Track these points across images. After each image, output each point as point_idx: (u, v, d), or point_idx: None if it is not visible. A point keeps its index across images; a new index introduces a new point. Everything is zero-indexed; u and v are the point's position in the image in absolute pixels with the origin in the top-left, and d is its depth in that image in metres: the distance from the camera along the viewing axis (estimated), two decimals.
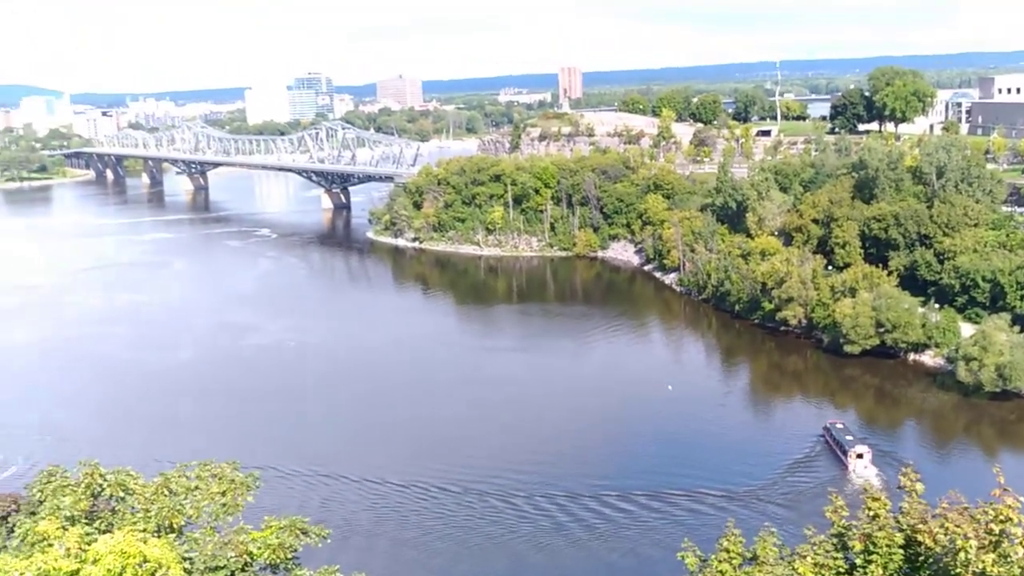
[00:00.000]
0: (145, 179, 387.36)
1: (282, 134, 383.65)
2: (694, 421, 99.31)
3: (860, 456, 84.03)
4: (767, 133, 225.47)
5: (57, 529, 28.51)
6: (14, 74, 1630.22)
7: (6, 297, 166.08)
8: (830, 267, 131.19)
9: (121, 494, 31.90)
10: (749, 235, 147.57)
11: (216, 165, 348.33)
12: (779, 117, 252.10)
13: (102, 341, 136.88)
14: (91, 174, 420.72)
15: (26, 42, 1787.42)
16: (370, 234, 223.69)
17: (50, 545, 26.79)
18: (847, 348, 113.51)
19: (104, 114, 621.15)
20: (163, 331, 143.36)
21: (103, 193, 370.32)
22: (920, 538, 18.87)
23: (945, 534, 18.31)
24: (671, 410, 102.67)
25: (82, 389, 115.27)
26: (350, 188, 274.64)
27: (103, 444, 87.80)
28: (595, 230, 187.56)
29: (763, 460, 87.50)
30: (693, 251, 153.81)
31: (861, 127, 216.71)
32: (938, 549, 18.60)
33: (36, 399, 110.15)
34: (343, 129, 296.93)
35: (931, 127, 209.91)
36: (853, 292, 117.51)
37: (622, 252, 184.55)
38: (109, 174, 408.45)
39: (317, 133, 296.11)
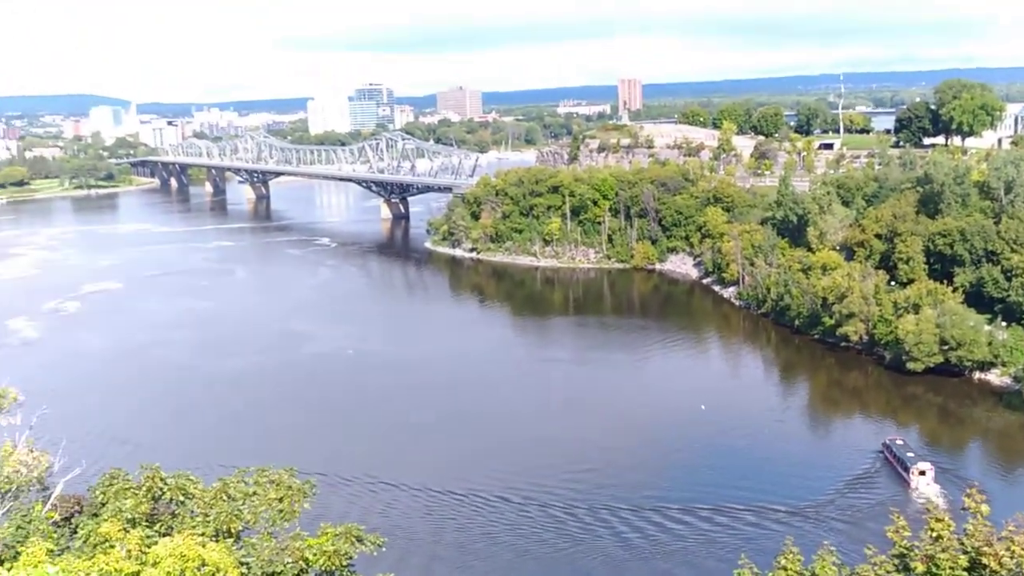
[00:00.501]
0: (208, 188, 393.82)
1: (343, 144, 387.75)
2: (752, 436, 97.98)
3: (923, 473, 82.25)
4: (829, 146, 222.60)
5: (119, 531, 28.95)
6: (83, 84, 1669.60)
7: (75, 302, 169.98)
8: (893, 283, 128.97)
9: (181, 498, 32.37)
10: (810, 249, 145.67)
11: (277, 174, 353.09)
12: (842, 130, 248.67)
13: (165, 346, 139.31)
14: (156, 182, 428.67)
15: (95, 53, 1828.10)
16: (428, 244, 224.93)
17: (112, 547, 27.20)
18: (910, 365, 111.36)
19: (169, 123, 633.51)
20: (224, 337, 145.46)
21: (167, 201, 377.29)
22: (985, 561, 18.40)
23: (1012, 558, 17.85)
24: (729, 424, 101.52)
25: (145, 393, 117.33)
26: (409, 198, 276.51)
27: (163, 448, 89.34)
28: (653, 242, 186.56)
29: (822, 476, 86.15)
30: (753, 265, 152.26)
31: (927, 141, 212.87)
32: (1004, 573, 18.12)
33: (101, 402, 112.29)
34: (403, 140, 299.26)
35: (999, 141, 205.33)
36: (917, 308, 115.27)
37: (680, 265, 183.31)
38: (173, 182, 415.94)
39: (377, 144, 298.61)
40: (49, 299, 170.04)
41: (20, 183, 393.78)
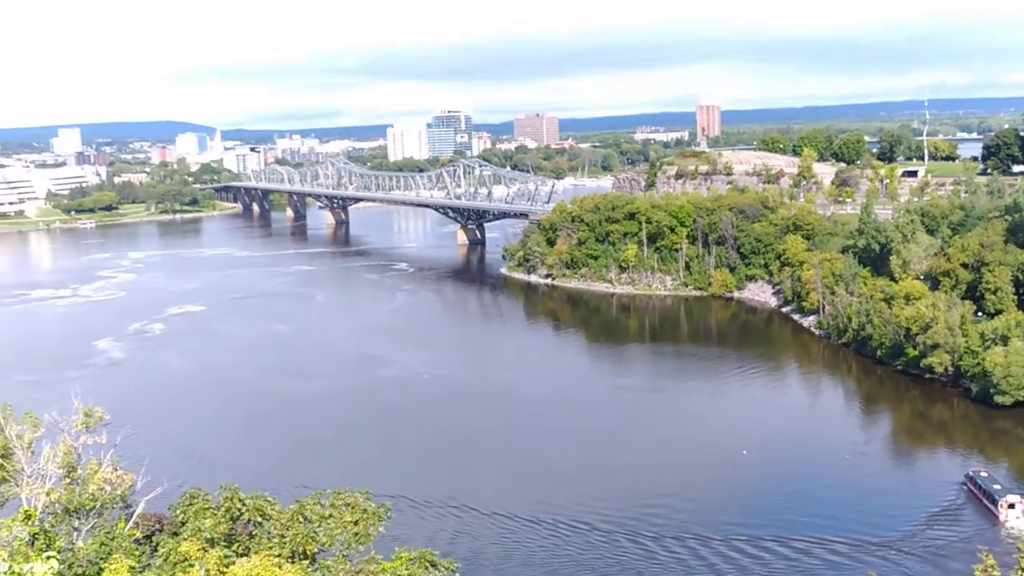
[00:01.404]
0: (289, 213, 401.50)
1: (421, 171, 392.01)
2: (831, 467, 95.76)
3: (1012, 506, 79.34)
4: (913, 174, 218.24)
5: (198, 550, 29.37)
6: (171, 111, 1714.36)
7: (160, 324, 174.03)
8: (980, 313, 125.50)
9: (258, 519, 32.73)
10: (893, 278, 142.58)
11: (357, 200, 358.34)
12: (926, 157, 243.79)
13: (246, 368, 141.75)
14: (238, 207, 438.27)
15: (181, 81, 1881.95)
16: (503, 270, 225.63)
17: (191, 566, 27.60)
18: (998, 398, 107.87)
19: (252, 150, 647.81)
20: (303, 360, 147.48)
21: (249, 226, 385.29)
22: None
23: None
24: (809, 455, 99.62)
25: (225, 414, 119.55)
26: (485, 224, 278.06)
27: (242, 468, 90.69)
28: (731, 270, 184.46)
29: (902, 510, 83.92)
30: (833, 293, 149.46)
31: (1016, 168, 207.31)
32: None
33: (182, 422, 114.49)
34: (480, 166, 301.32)
35: None
36: (1005, 340, 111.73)
37: (759, 293, 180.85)
38: (255, 208, 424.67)
39: (454, 170, 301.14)
40: (135, 321, 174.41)
41: (109, 207, 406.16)
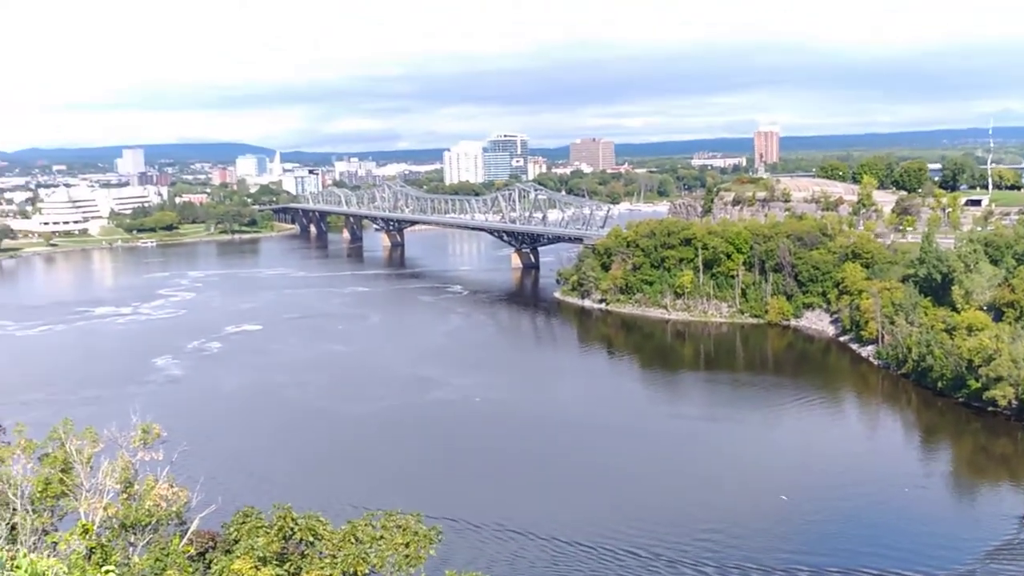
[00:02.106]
0: (346, 234, 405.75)
1: (476, 194, 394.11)
2: (889, 501, 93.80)
3: None
4: (977, 203, 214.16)
5: (250, 568, 29.47)
6: (232, 133, 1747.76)
7: (217, 342, 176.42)
8: None
9: (311, 538, 32.85)
10: (955, 309, 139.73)
11: (412, 223, 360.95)
12: (990, 186, 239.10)
13: (301, 388, 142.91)
14: (296, 228, 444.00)
15: (242, 103, 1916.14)
16: (557, 294, 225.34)
17: None
18: None
19: (311, 172, 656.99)
20: (358, 381, 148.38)
21: (306, 247, 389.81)
22: None
23: None
24: (865, 487, 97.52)
25: (280, 433, 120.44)
26: (539, 248, 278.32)
27: (295, 487, 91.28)
28: (788, 298, 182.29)
29: (962, 543, 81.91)
30: (893, 323, 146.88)
31: None
32: None
33: (238, 440, 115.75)
34: (535, 190, 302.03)
35: None
36: None
37: (816, 321, 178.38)
38: (313, 229, 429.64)
39: (510, 194, 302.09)
40: (193, 339, 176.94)
41: (169, 227, 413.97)
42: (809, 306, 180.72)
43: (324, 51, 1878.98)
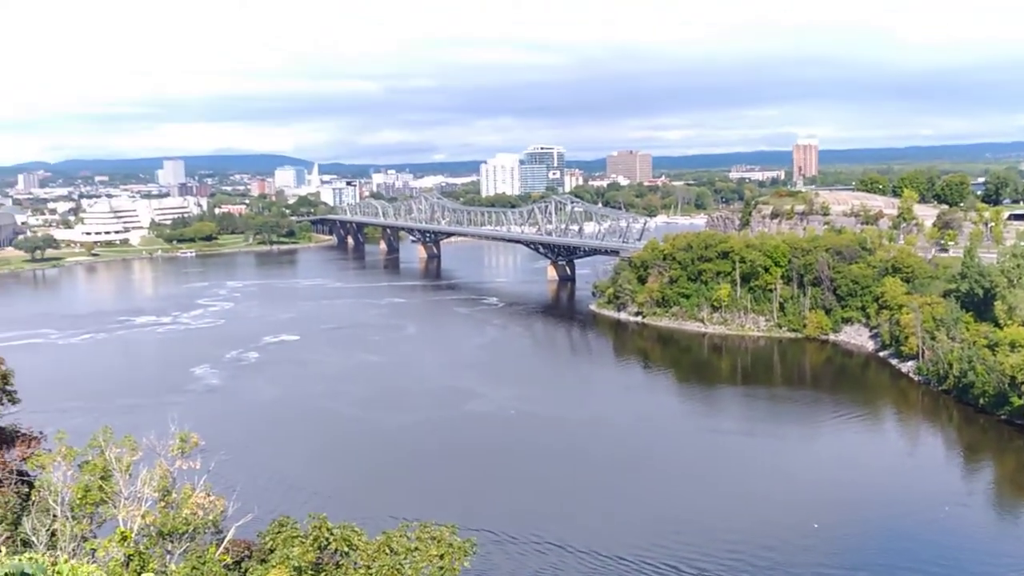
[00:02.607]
0: (382, 246, 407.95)
1: (512, 206, 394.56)
2: (929, 518, 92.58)
3: None
4: (1020, 217, 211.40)
5: None
6: (271, 145, 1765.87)
7: (255, 352, 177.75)
8: None
9: (345, 549, 32.85)
10: (997, 324, 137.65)
11: (449, 235, 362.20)
12: None
13: (337, 398, 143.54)
14: (334, 240, 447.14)
15: (281, 115, 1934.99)
16: (593, 307, 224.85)
17: None
18: None
19: (348, 184, 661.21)
20: (393, 392, 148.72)
21: (343, 258, 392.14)
22: None
23: None
24: (904, 507, 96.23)
25: (316, 443, 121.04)
26: (575, 260, 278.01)
27: (331, 496, 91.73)
28: (827, 312, 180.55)
29: (1004, 562, 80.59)
30: (933, 339, 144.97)
31: None
32: None
33: (274, 450, 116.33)
34: (571, 203, 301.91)
35: None
36: None
37: (855, 336, 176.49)
38: (350, 240, 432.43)
39: (546, 206, 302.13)
40: (231, 348, 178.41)
41: (208, 237, 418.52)
42: (848, 320, 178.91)
43: (360, 65, 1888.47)
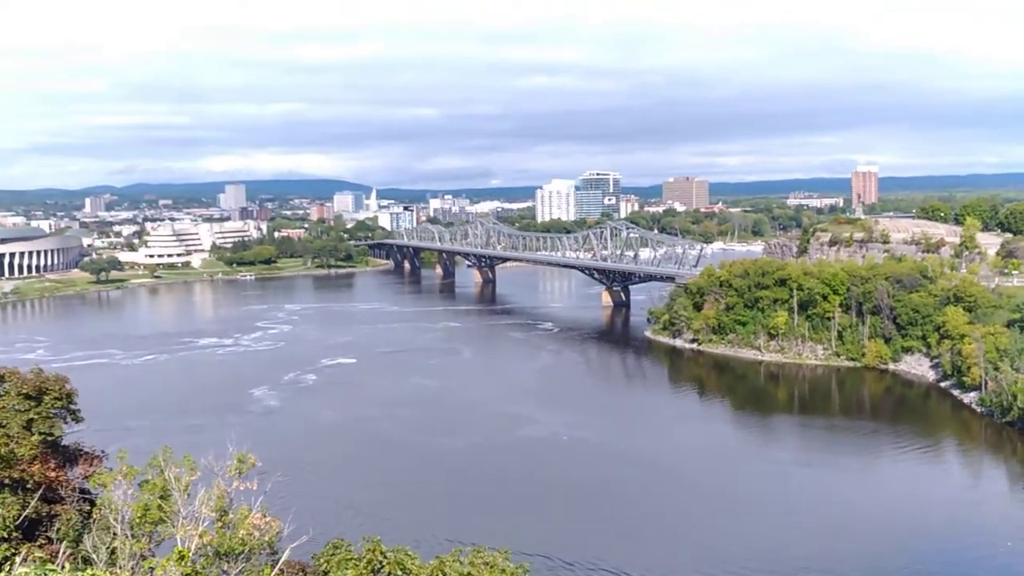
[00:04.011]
0: (438, 270, 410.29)
1: (568, 232, 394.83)
2: (990, 554, 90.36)
3: None
4: None
5: None
6: (330, 170, 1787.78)
7: (313, 375, 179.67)
8: None
9: (399, 572, 33.08)
10: None
11: (504, 260, 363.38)
12: None
13: (393, 421, 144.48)
14: (390, 264, 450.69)
15: (341, 140, 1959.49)
16: (648, 333, 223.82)
17: None
18: None
19: (406, 208, 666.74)
20: (448, 416, 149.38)
21: (400, 282, 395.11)
22: None
23: None
24: (965, 541, 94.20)
25: (371, 466, 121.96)
26: (630, 287, 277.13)
27: (385, 519, 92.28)
28: (886, 341, 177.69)
29: None
30: (997, 369, 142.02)
31: None
32: None
33: (330, 472, 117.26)
34: (627, 229, 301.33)
35: None
36: None
37: (915, 366, 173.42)
38: (406, 264, 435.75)
39: (601, 232, 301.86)
40: (290, 371, 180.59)
41: (268, 261, 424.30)
42: (908, 350, 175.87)
43: (422, 91, 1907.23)
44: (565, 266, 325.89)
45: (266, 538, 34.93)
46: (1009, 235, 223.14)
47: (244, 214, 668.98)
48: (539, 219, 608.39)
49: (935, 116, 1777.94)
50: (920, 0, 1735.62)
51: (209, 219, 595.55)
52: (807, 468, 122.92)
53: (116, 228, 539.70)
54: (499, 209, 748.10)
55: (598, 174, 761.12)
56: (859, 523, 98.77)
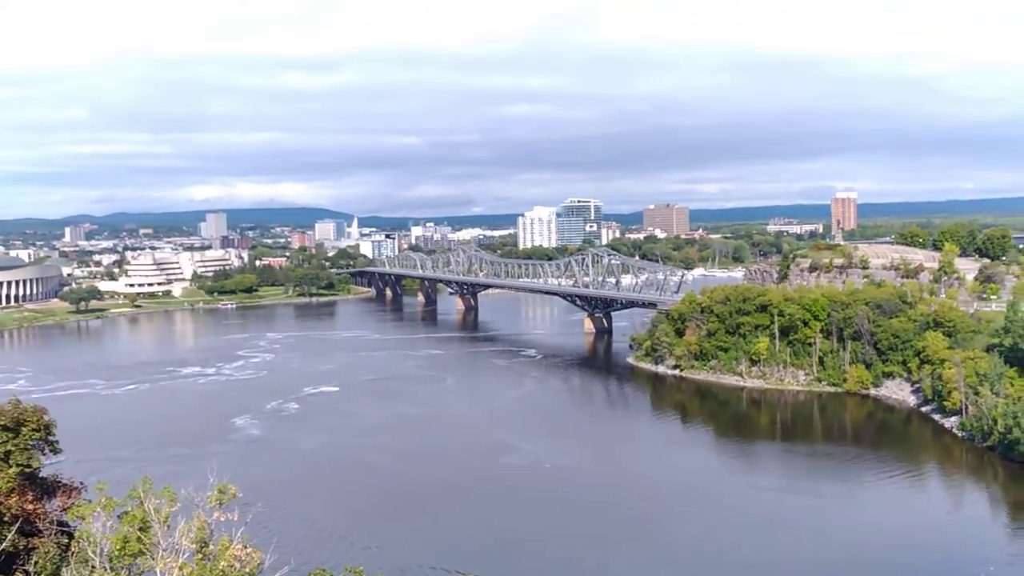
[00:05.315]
0: (420, 298, 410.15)
1: (549, 259, 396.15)
2: None
3: None
4: None
5: None
6: (312, 198, 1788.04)
7: (295, 403, 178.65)
8: None
9: None
10: None
11: (486, 287, 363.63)
12: None
13: (376, 450, 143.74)
14: (372, 292, 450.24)
15: (323, 174, 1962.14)
16: (630, 359, 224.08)
17: None
18: None
19: (387, 236, 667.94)
20: (432, 443, 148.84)
21: (382, 310, 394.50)
22: None
23: None
24: (948, 566, 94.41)
25: (354, 496, 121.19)
26: (612, 313, 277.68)
27: (368, 549, 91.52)
28: (867, 366, 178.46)
29: None
30: (977, 394, 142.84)
31: None
32: None
33: (312, 502, 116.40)
34: (608, 255, 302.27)
35: None
36: None
37: (896, 391, 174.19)
38: (388, 292, 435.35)
39: (583, 259, 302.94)
40: (272, 399, 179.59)
41: (249, 289, 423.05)
42: (889, 375, 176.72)
43: (405, 120, 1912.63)
44: (547, 293, 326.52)
45: (247, 569, 34.69)
46: (987, 260, 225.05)
47: (225, 243, 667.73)
48: (521, 246, 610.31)
49: (913, 142, 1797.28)
50: (897, 27, 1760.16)
51: (190, 248, 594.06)
52: (790, 494, 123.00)
53: (96, 257, 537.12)
54: (481, 236, 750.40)
55: (579, 201, 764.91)
56: (841, 549, 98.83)
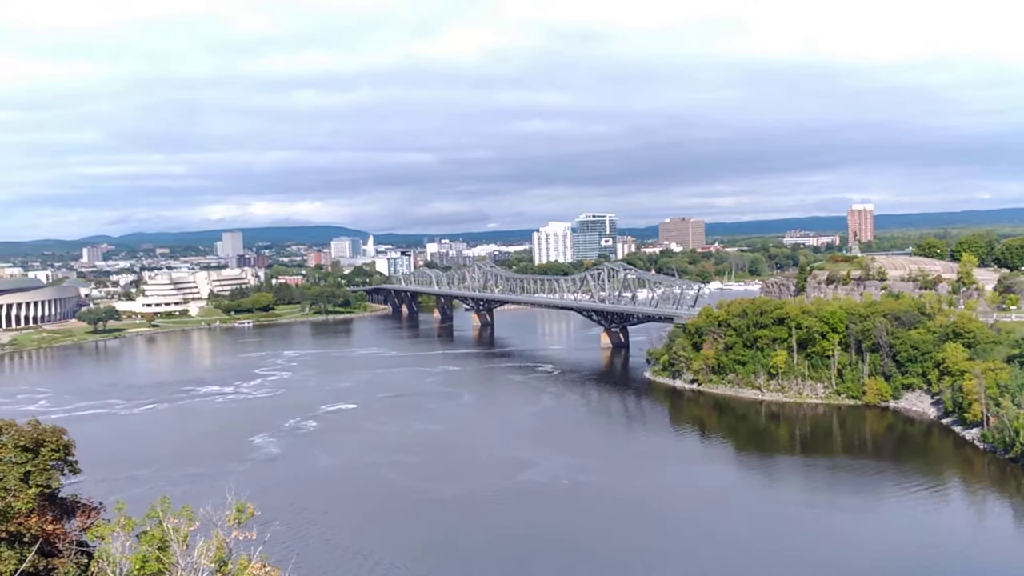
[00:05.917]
0: (436, 314, 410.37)
1: (565, 274, 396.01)
2: None
3: None
4: None
5: None
6: (327, 216, 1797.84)
7: (313, 421, 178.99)
8: None
9: None
10: None
11: (502, 303, 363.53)
12: None
13: (394, 468, 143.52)
14: (388, 309, 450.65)
15: (339, 192, 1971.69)
16: (647, 374, 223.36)
17: None
18: None
19: (403, 253, 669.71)
20: (449, 461, 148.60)
21: (398, 327, 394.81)
22: None
23: None
24: None
25: (371, 512, 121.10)
26: (629, 328, 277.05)
27: (385, 567, 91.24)
28: (887, 378, 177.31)
29: None
30: (998, 405, 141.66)
31: None
32: None
33: (331, 520, 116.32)
34: (624, 270, 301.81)
35: None
36: None
37: (916, 403, 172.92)
38: (404, 309, 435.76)
39: (599, 273, 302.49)
40: (290, 417, 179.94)
41: (265, 308, 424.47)
42: (908, 387, 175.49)
43: (419, 137, 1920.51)
44: (563, 308, 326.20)
45: None
46: (1006, 270, 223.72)
47: (241, 261, 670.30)
48: (536, 261, 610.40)
49: (929, 153, 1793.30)
50: (911, 38, 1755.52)
51: (206, 267, 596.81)
52: (812, 509, 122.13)
53: (113, 277, 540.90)
54: (496, 252, 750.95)
55: (594, 216, 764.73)
56: (865, 565, 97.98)
